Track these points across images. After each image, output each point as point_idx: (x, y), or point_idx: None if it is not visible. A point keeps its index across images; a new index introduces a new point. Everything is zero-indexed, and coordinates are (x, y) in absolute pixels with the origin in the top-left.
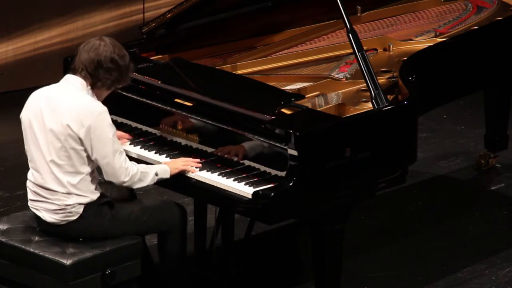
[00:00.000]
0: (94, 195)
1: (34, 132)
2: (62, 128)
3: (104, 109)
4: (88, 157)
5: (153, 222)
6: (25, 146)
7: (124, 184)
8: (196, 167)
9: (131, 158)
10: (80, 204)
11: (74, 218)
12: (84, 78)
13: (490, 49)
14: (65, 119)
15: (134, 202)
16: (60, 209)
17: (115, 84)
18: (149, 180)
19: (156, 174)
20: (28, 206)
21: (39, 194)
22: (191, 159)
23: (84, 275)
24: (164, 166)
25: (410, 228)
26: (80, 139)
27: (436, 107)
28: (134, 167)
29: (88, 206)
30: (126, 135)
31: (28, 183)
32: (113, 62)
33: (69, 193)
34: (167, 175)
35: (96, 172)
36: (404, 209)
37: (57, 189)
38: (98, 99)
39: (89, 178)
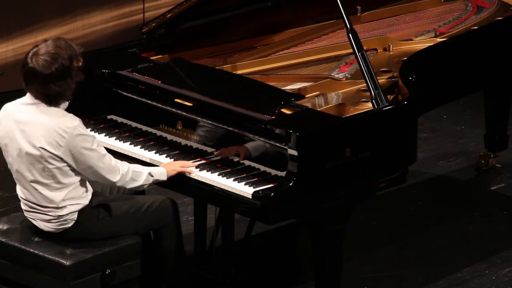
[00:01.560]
0: (86, 199)
1: (12, 156)
2: (39, 151)
3: (76, 122)
4: (73, 169)
5: (149, 219)
6: (8, 165)
7: (117, 184)
8: (195, 167)
9: (131, 159)
10: (73, 212)
11: (70, 225)
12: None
13: (490, 49)
14: (41, 143)
15: (128, 200)
16: (54, 219)
17: (73, 87)
18: (142, 180)
19: (151, 175)
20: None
21: (32, 207)
22: (189, 162)
23: (84, 275)
24: (160, 168)
25: (410, 228)
26: (60, 157)
27: (436, 107)
28: (125, 165)
29: (82, 210)
30: (193, 165)
31: (19, 196)
32: (55, 74)
33: (60, 207)
34: (164, 177)
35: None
36: (404, 209)
37: (48, 205)
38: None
39: (78, 186)
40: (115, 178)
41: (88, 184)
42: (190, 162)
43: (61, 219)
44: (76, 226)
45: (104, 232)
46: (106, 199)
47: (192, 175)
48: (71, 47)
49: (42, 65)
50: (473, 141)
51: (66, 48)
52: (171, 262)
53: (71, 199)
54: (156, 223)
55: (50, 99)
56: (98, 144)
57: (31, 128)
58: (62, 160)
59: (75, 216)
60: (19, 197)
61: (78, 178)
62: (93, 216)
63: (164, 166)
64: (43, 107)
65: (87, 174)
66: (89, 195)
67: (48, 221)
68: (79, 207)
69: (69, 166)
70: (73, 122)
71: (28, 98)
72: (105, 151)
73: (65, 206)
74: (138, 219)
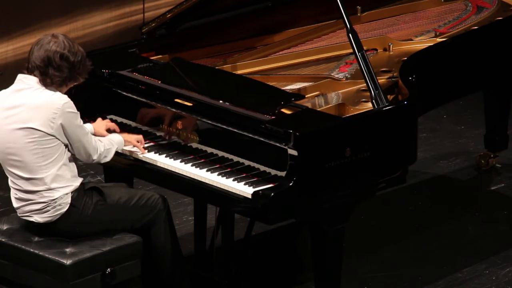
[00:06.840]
0: (77, 181)
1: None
2: (29, 132)
3: (65, 98)
4: (58, 148)
5: (140, 211)
6: None
7: (93, 162)
8: (145, 148)
9: (131, 159)
10: (66, 194)
11: (65, 209)
12: (37, 76)
13: (490, 49)
14: (33, 124)
15: (117, 189)
16: (48, 206)
17: (68, 82)
18: (111, 155)
19: (116, 149)
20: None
21: (24, 199)
22: (143, 141)
23: (84, 275)
24: (121, 139)
25: (410, 228)
26: (53, 135)
27: (436, 107)
28: (101, 144)
29: (74, 193)
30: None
31: (12, 192)
32: (63, 58)
33: (51, 189)
34: (122, 147)
35: (72, 159)
36: (404, 209)
37: (38, 189)
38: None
39: (65, 168)
40: (94, 156)
41: (75, 169)
42: (143, 142)
43: (56, 203)
44: (72, 210)
45: (101, 218)
46: (96, 184)
47: (192, 176)
48: (85, 56)
49: (58, 42)
50: (473, 141)
51: (81, 52)
52: (167, 260)
53: (60, 181)
54: (148, 216)
55: (42, 77)
56: (82, 122)
57: (21, 110)
58: (55, 137)
59: (68, 199)
60: (11, 193)
61: (63, 159)
62: (87, 199)
63: (123, 137)
64: (32, 91)
65: (74, 148)
66: (79, 179)
67: (42, 211)
68: (71, 188)
69: (60, 144)
70: (63, 99)
71: (15, 88)
72: (88, 130)
73: (56, 189)
74: (131, 209)
